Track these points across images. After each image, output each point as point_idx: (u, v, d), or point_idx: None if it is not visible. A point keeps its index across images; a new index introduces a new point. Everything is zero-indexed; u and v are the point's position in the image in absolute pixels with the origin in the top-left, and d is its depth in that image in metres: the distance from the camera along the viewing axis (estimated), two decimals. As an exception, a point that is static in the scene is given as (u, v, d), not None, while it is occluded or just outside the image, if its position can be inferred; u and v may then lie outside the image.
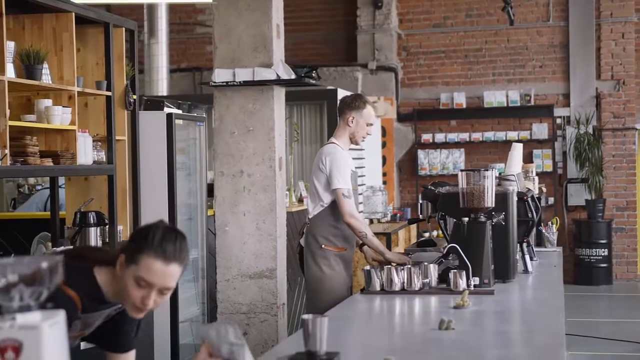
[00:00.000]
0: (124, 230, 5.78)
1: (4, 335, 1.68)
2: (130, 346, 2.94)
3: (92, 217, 5.36)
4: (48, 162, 4.89)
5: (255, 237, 5.98)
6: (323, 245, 5.18)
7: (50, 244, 5.45)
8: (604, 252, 12.21)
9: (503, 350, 3.01)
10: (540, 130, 12.62)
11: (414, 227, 11.18)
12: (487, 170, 4.37)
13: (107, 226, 5.52)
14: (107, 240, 5.54)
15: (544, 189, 9.79)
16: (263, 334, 5.77)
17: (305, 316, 2.69)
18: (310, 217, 5.30)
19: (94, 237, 5.35)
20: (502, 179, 5.01)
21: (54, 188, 5.63)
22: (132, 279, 2.56)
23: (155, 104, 6.36)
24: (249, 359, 2.47)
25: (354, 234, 5.14)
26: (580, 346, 8.29)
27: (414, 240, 10.96)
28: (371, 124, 5.34)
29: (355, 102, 5.31)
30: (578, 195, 12.55)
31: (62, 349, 1.75)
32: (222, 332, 2.49)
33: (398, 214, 10.92)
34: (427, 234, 12.30)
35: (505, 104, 12.70)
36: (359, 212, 9.47)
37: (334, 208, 5.17)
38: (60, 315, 1.75)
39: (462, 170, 4.40)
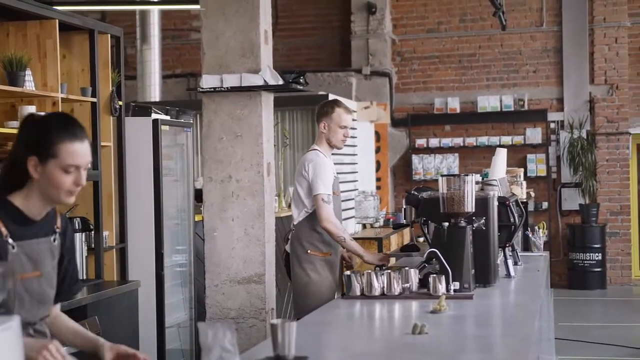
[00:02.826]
0: (109, 236, 5.80)
1: (-45, 340, 1.69)
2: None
3: (77, 223, 5.37)
4: (32, 168, 4.90)
5: (244, 242, 5.99)
6: (309, 251, 5.26)
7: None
8: (597, 256, 12.22)
9: (472, 355, 3.02)
10: (534, 134, 12.63)
11: (407, 231, 11.18)
12: (467, 175, 4.38)
13: (92, 232, 5.53)
14: (92, 246, 5.55)
15: (532, 194, 9.80)
16: (252, 339, 5.78)
17: (273, 321, 2.72)
18: (295, 223, 5.39)
19: (79, 243, 5.37)
20: (484, 183, 5.03)
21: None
22: (59, 170, 2.64)
23: (143, 110, 6.38)
24: None
25: (332, 238, 5.19)
26: (572, 350, 8.29)
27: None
28: (344, 127, 5.36)
29: (324, 108, 5.41)
30: (572, 200, 12.56)
31: (16, 353, 1.76)
32: (220, 335, 2.51)
33: (391, 219, 10.91)
34: (421, 239, 12.30)
35: (499, 109, 12.72)
36: (350, 217, 9.51)
37: None
38: (15, 320, 1.77)
39: (442, 176, 4.42)
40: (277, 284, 6.47)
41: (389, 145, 12.78)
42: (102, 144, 5.69)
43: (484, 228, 4.49)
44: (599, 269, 12.25)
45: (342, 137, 5.35)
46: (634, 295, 12.10)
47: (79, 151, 2.66)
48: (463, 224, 4.36)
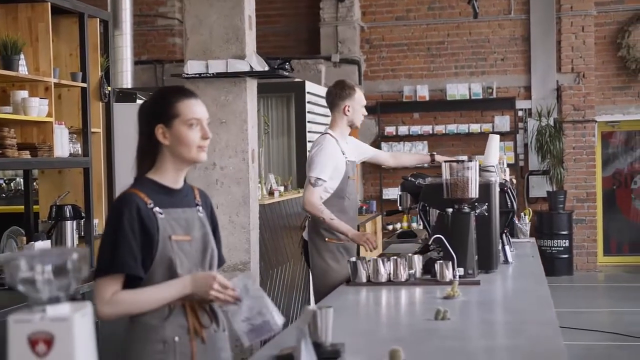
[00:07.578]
0: (99, 224, 5.70)
1: (35, 328, 1.65)
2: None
3: (68, 211, 5.27)
4: (25, 155, 4.80)
5: (229, 230, 5.95)
6: (327, 239, 5.19)
7: (24, 238, 5.35)
8: (564, 243, 12.36)
9: (504, 340, 3.03)
10: (502, 122, 12.73)
11: (379, 219, 11.21)
12: (471, 161, 4.39)
13: (83, 220, 5.43)
14: (82, 234, 5.45)
15: (514, 180, 9.87)
16: (236, 326, 5.74)
17: (311, 307, 2.68)
18: None
19: (70, 230, 5.27)
20: (482, 170, 5.03)
21: (27, 181, 5.52)
22: (184, 127, 2.82)
23: (127, 96, 6.29)
24: (276, 314, 2.65)
25: (315, 220, 5.15)
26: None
27: (380, 232, 11.00)
28: (364, 104, 5.41)
29: (345, 90, 5.32)
30: (539, 187, 12.69)
31: (92, 339, 1.72)
32: (249, 285, 2.68)
33: (364, 207, 10.93)
34: (390, 227, 12.34)
35: (467, 97, 12.78)
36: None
37: (335, 199, 5.17)
38: (88, 307, 1.72)
39: (445, 161, 4.42)
40: (260, 271, 6.42)
41: (359, 133, 12.75)
42: (92, 130, 5.57)
43: (486, 214, 4.50)
44: (565, 256, 12.39)
45: (362, 115, 5.38)
46: (599, 281, 12.27)
47: (196, 105, 2.86)
48: (467, 209, 4.37)
